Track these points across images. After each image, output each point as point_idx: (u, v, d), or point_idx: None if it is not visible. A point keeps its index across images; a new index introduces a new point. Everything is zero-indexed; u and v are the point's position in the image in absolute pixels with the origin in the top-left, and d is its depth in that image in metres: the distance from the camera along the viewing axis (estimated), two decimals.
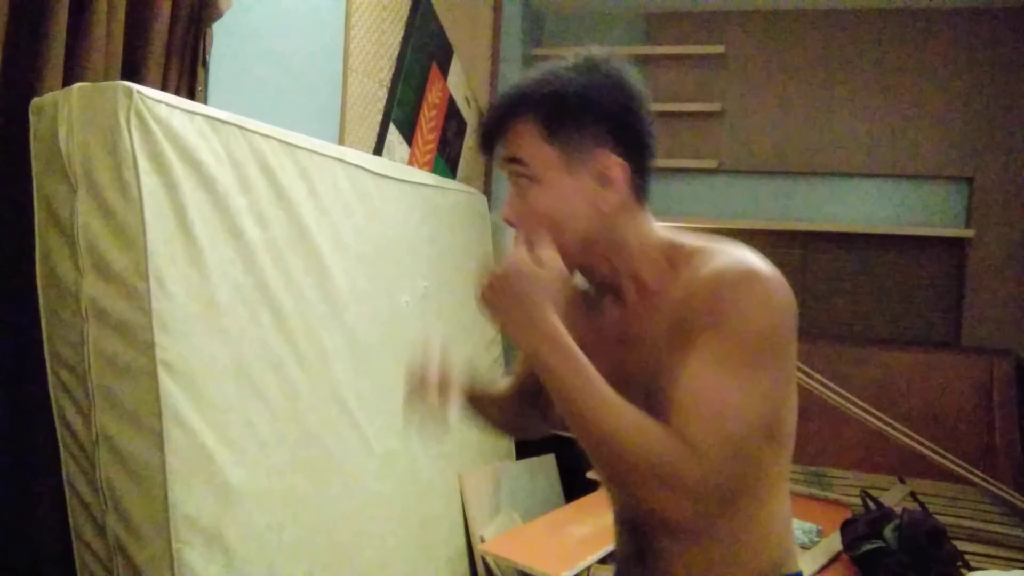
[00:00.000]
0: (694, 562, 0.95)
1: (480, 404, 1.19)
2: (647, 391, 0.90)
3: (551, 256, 0.89)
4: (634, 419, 0.81)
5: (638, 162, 0.95)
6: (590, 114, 0.92)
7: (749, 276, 0.85)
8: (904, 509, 2.54)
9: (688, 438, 0.79)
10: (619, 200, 0.93)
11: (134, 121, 1.34)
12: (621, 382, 0.88)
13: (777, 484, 0.98)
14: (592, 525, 2.47)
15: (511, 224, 0.97)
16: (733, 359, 0.82)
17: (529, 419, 1.24)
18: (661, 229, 0.99)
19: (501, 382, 1.24)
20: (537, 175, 0.93)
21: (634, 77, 0.97)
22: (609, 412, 0.81)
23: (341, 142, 2.48)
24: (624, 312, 0.99)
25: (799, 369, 3.06)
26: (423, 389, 1.06)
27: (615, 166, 0.92)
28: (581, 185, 0.92)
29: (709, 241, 0.93)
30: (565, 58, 0.96)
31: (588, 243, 0.94)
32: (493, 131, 0.97)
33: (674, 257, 0.94)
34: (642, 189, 0.97)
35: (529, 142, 0.93)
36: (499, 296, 0.87)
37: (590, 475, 3.09)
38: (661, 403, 0.85)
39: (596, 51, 0.97)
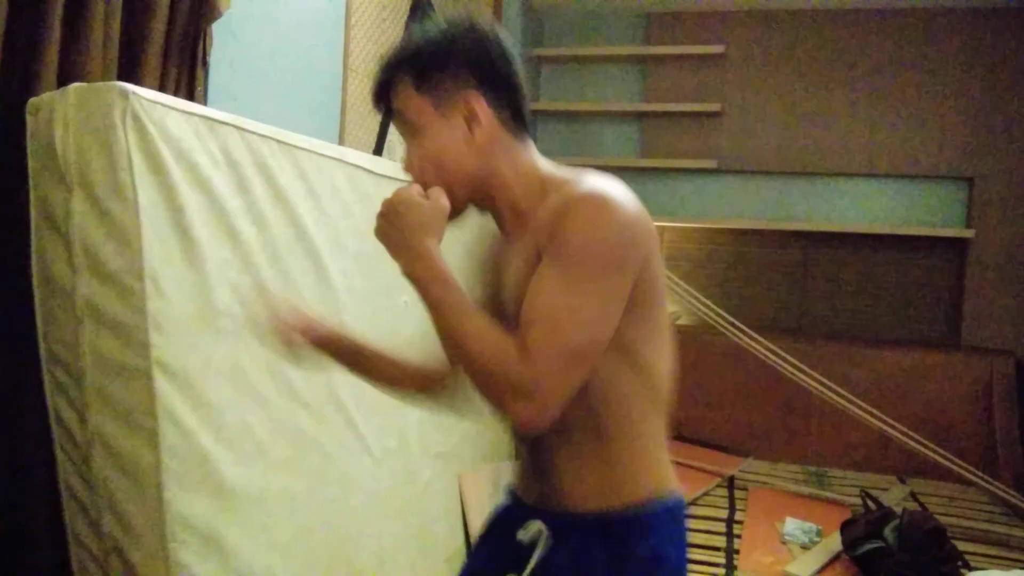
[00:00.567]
0: (573, 476, 1.04)
1: (360, 359, 1.27)
2: (510, 311, 0.99)
3: (437, 191, 0.99)
4: (482, 328, 0.90)
5: (506, 99, 1.03)
6: (451, 61, 1.01)
7: (590, 198, 0.93)
8: (904, 509, 2.54)
9: (525, 343, 0.87)
10: (489, 135, 1.02)
11: (130, 122, 1.34)
12: (495, 306, 1.05)
13: (644, 415, 1.04)
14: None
15: (410, 174, 1.05)
16: (568, 274, 0.90)
17: (445, 393, 1.30)
18: (542, 162, 1.06)
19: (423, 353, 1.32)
20: (416, 124, 1.02)
21: (494, 26, 1.06)
22: (462, 322, 0.91)
23: (341, 142, 2.48)
24: (503, 240, 1.09)
25: (787, 361, 3.06)
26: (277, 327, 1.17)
27: (478, 103, 1.01)
28: (453, 126, 1.01)
29: (581, 172, 1.00)
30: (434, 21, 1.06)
31: (470, 179, 1.03)
32: (377, 93, 1.06)
33: (547, 186, 1.02)
34: (516, 124, 1.05)
35: (405, 96, 1.02)
36: (386, 223, 0.97)
37: None
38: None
39: (459, 12, 1.08)
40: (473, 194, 1.05)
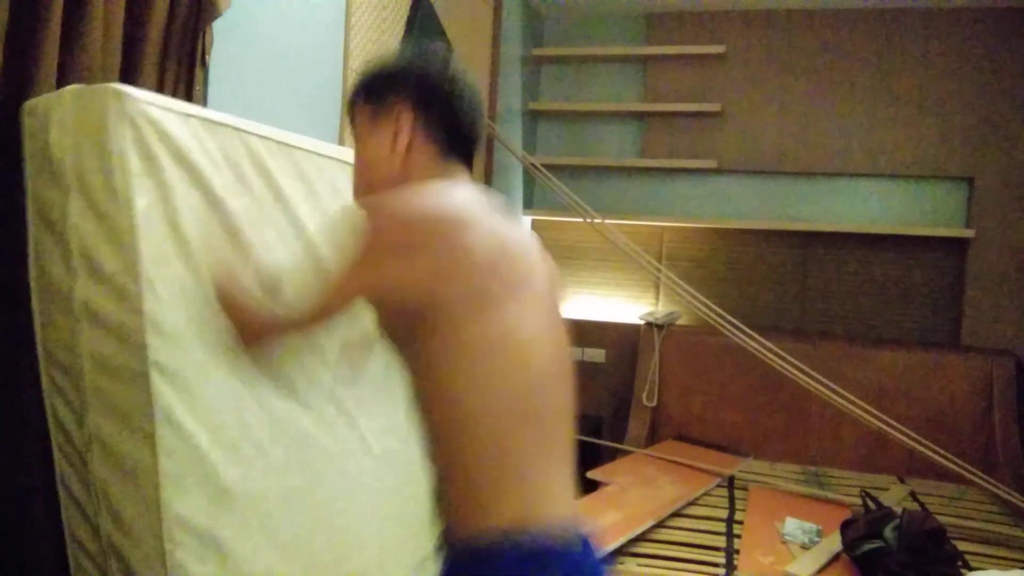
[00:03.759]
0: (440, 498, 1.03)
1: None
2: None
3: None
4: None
5: (440, 120, 1.13)
6: (396, 83, 1.14)
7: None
8: (904, 509, 2.53)
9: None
10: (410, 149, 1.12)
11: (126, 123, 1.34)
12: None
13: (482, 428, 0.97)
14: (592, 525, 2.46)
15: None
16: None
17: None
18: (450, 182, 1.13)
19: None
20: (357, 133, 1.18)
21: (448, 59, 1.18)
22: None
23: (341, 142, 2.48)
24: None
25: (787, 361, 3.06)
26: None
27: (404, 122, 1.12)
28: (382, 139, 1.13)
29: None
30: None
31: (392, 186, 1.11)
32: (350, 108, 1.21)
33: None
34: (451, 147, 1.14)
35: (358, 109, 1.18)
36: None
37: (590, 475, 3.09)
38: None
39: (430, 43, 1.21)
40: None
